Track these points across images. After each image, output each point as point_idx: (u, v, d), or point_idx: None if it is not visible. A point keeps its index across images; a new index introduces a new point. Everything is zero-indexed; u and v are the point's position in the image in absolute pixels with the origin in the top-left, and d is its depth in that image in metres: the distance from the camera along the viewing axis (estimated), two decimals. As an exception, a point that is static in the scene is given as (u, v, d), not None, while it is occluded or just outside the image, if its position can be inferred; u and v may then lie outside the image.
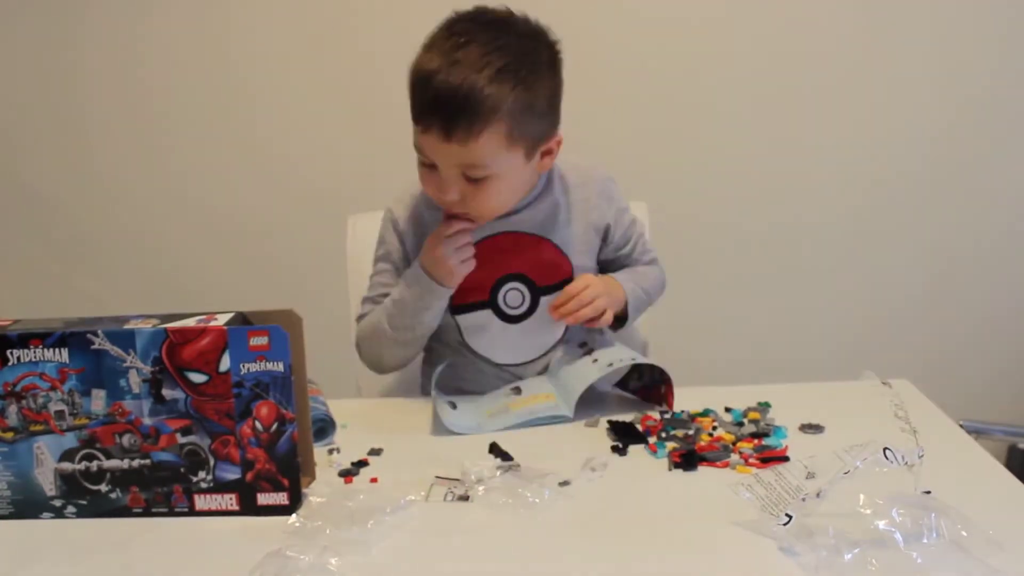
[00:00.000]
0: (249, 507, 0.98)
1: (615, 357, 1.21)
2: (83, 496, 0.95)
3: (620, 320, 1.31)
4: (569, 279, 1.29)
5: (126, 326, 0.94)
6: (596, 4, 2.22)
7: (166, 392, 0.94)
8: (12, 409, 0.92)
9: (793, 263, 2.33)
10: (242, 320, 0.97)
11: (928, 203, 2.28)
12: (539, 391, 1.24)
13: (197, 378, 0.95)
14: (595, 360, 1.23)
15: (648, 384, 1.24)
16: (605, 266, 1.37)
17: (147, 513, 0.96)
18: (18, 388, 0.92)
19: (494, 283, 1.29)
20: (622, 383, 1.27)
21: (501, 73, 1.13)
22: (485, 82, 1.12)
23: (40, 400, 0.92)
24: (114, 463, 0.94)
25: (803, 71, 2.21)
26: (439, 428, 1.16)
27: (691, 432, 1.10)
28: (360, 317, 1.36)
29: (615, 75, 2.23)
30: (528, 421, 1.17)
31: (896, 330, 2.35)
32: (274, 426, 0.96)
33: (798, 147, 2.27)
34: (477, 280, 1.28)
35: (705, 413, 1.16)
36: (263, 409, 0.96)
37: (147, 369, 0.93)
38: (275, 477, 0.97)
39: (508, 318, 1.30)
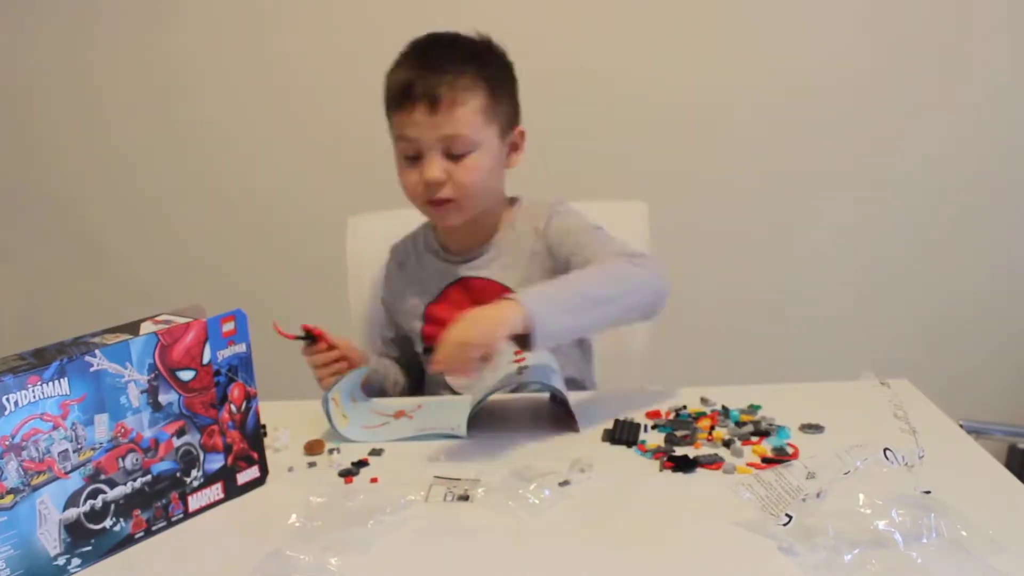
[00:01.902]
0: (232, 490, 1.01)
1: (531, 377, 1.16)
2: (87, 541, 0.90)
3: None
4: None
5: (93, 342, 0.91)
6: (598, 5, 2.22)
7: (162, 398, 0.94)
8: (12, 466, 0.83)
9: (794, 265, 2.34)
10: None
11: (928, 203, 2.28)
12: (440, 413, 1.22)
13: (185, 376, 0.96)
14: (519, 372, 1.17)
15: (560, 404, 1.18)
16: None
17: (148, 534, 0.94)
18: (17, 439, 0.84)
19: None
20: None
21: (472, 58, 1.30)
22: (459, 63, 1.28)
23: (42, 445, 0.85)
24: (118, 491, 0.91)
25: (809, 73, 2.22)
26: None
27: (689, 432, 1.10)
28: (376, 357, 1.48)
29: (616, 76, 2.23)
30: (424, 436, 1.14)
31: (896, 330, 2.35)
32: (243, 405, 1.01)
33: (799, 146, 2.27)
34: (444, 323, 1.28)
35: (703, 411, 1.16)
36: (235, 391, 1.00)
37: (144, 379, 0.92)
38: (247, 454, 1.02)
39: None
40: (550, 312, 1.09)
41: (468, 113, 1.27)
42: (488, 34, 1.35)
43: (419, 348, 1.44)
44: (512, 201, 1.41)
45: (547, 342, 1.11)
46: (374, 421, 1.20)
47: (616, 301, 1.17)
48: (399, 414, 1.22)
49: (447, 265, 1.41)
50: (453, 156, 1.28)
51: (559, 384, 1.16)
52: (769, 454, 1.03)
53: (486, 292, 1.35)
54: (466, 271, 1.39)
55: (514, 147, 1.37)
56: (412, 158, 1.30)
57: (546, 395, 1.24)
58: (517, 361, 1.16)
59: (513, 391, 1.26)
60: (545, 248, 1.35)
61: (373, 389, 1.38)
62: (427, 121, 1.26)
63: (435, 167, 1.28)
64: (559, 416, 1.17)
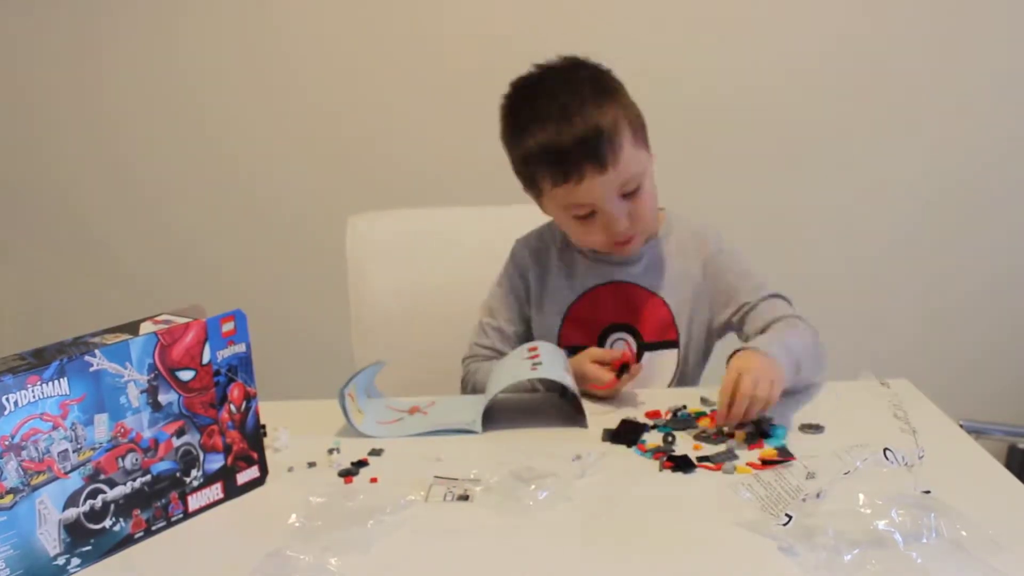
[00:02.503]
0: (232, 490, 1.01)
1: (547, 371, 1.17)
2: (87, 541, 0.89)
3: None
4: (675, 342, 1.31)
5: (92, 341, 0.91)
6: (598, 4, 2.22)
7: (162, 398, 0.94)
8: (11, 466, 0.83)
9: (794, 265, 2.33)
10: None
11: (929, 204, 2.28)
12: (453, 409, 1.22)
13: (185, 376, 0.95)
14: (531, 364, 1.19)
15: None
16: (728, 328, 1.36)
17: (148, 534, 0.94)
18: (16, 439, 0.83)
19: (602, 330, 1.32)
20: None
21: (595, 94, 1.23)
22: (595, 108, 1.21)
23: (42, 445, 0.85)
24: (117, 491, 0.91)
25: (809, 74, 2.21)
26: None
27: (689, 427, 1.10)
28: (468, 358, 1.40)
29: (616, 75, 2.23)
30: (429, 432, 1.15)
31: (896, 330, 2.35)
32: (243, 405, 1.01)
33: (802, 149, 2.26)
34: (586, 326, 1.29)
35: (701, 413, 1.16)
36: (235, 391, 1.00)
37: (144, 379, 0.92)
38: (247, 454, 1.02)
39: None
40: (790, 375, 1.13)
41: (628, 151, 1.22)
42: (570, 55, 1.30)
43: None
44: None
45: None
46: (389, 416, 1.20)
47: (814, 374, 1.23)
48: (413, 410, 1.22)
49: (597, 265, 1.35)
50: (627, 195, 1.24)
51: (569, 381, 1.16)
52: (769, 454, 1.03)
53: (636, 298, 1.33)
54: (619, 274, 1.35)
55: (647, 144, 1.30)
56: (586, 216, 1.25)
57: (549, 394, 1.25)
58: (532, 358, 1.19)
59: (525, 390, 1.26)
60: (705, 274, 1.35)
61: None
62: (600, 181, 1.21)
63: (621, 219, 1.24)
64: (567, 412, 1.18)
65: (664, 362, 1.34)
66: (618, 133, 1.21)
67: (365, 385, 1.24)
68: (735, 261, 1.36)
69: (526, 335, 1.41)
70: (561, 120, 1.20)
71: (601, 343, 1.34)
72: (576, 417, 1.16)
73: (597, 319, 1.33)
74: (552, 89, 1.25)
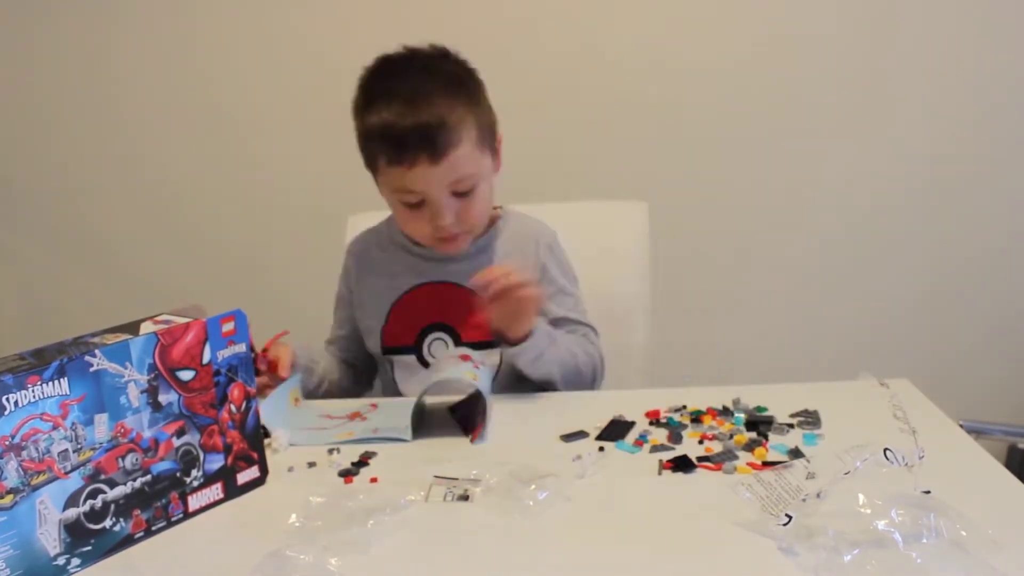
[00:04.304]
0: (232, 490, 1.01)
1: (456, 375, 1.16)
2: (87, 541, 0.90)
3: (512, 345, 1.25)
4: (495, 342, 1.28)
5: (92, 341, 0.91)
6: (600, 4, 2.22)
7: (162, 398, 0.94)
8: (11, 466, 0.83)
9: (794, 265, 2.34)
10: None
11: (929, 206, 2.28)
12: (392, 414, 1.20)
13: (185, 376, 0.95)
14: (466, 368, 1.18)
15: (465, 415, 1.19)
16: None
17: (148, 534, 0.94)
18: (16, 439, 0.83)
19: (420, 331, 1.32)
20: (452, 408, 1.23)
21: (451, 84, 1.23)
22: (444, 100, 1.21)
23: (42, 445, 0.85)
24: (118, 491, 0.91)
25: (807, 74, 2.22)
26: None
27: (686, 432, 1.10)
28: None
29: (617, 75, 2.23)
30: (369, 438, 1.14)
31: (897, 331, 2.35)
32: (243, 405, 1.01)
33: (800, 149, 2.27)
34: (406, 325, 1.30)
35: (699, 414, 1.16)
36: (235, 391, 1.00)
37: (144, 379, 0.92)
38: (248, 454, 1.02)
39: (430, 366, 1.31)
40: (537, 353, 1.23)
41: (467, 150, 1.22)
42: (440, 44, 1.29)
43: (377, 348, 1.39)
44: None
45: (516, 360, 1.24)
46: (318, 424, 1.18)
47: (573, 381, 1.29)
48: (354, 416, 1.20)
49: (420, 263, 1.36)
50: (459, 193, 1.25)
51: (489, 398, 1.16)
52: (769, 456, 1.04)
53: (457, 297, 1.32)
54: (440, 273, 1.34)
55: (496, 153, 1.32)
56: (415, 204, 1.26)
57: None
58: (471, 362, 1.18)
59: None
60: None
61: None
62: (431, 172, 1.21)
63: (447, 214, 1.24)
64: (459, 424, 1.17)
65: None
66: (460, 130, 1.21)
67: (286, 395, 1.21)
68: (561, 273, 1.36)
69: (354, 335, 1.43)
70: (407, 103, 1.20)
71: (419, 343, 1.34)
72: (468, 428, 1.14)
73: (417, 319, 1.33)
74: (408, 72, 1.25)
